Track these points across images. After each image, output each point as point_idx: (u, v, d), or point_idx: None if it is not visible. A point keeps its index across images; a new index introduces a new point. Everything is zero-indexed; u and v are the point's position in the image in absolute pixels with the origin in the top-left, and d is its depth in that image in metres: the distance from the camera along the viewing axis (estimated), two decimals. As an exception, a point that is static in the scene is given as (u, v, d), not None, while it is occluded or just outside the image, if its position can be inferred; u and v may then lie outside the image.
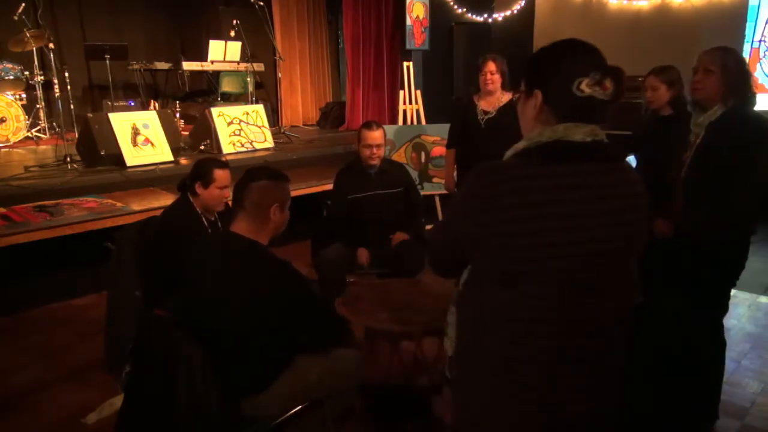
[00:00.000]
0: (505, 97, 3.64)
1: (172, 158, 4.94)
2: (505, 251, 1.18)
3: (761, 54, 6.43)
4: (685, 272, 2.39)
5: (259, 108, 5.99)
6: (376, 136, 3.32)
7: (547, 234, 1.16)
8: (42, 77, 6.17)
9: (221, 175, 2.70)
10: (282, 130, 6.68)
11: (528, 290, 1.19)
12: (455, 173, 3.98)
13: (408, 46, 6.58)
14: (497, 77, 3.59)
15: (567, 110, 1.21)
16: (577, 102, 1.19)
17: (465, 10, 7.21)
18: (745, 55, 6.40)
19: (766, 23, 6.38)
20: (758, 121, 2.22)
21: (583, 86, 1.17)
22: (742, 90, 2.23)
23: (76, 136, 5.15)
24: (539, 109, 1.24)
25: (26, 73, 6.54)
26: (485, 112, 3.62)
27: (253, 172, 2.03)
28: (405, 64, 6.22)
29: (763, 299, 3.94)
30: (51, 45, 5.14)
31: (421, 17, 6.65)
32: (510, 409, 1.24)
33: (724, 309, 2.46)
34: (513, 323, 1.21)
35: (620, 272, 1.25)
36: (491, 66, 3.58)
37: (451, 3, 7.07)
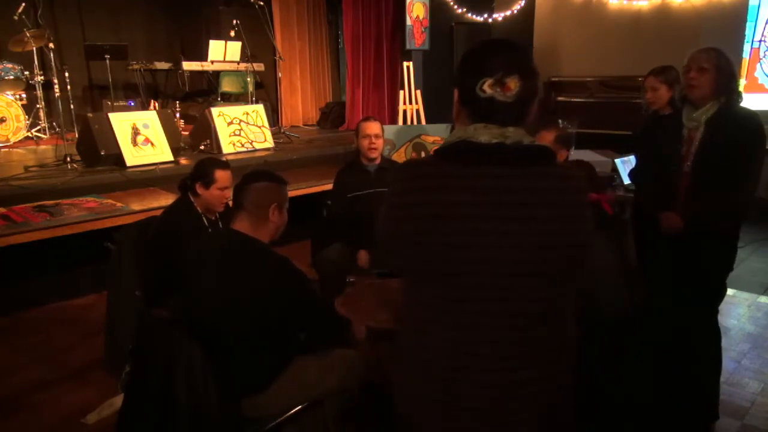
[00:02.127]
0: None
1: (172, 158, 4.94)
2: (411, 249, 1.19)
3: (761, 54, 6.43)
4: (684, 263, 2.46)
5: (259, 108, 5.99)
6: (373, 126, 3.39)
7: (444, 235, 1.14)
8: (42, 77, 6.16)
9: (222, 175, 2.70)
10: (282, 130, 6.68)
11: (429, 289, 1.20)
12: None
13: (408, 46, 6.57)
14: None
15: (475, 110, 1.19)
16: (481, 102, 1.16)
17: (465, 10, 7.21)
18: (745, 55, 6.41)
19: (766, 23, 6.38)
20: (751, 117, 2.35)
21: (485, 86, 1.15)
22: (732, 88, 2.35)
23: (76, 136, 5.14)
24: (457, 108, 1.25)
25: (26, 73, 6.53)
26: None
27: (252, 175, 2.07)
28: (405, 64, 6.22)
29: (763, 299, 3.94)
30: (51, 45, 5.15)
31: (421, 17, 6.64)
32: (422, 403, 1.26)
33: (720, 298, 2.54)
34: (419, 321, 1.24)
35: (533, 283, 1.17)
36: None
37: (451, 3, 7.07)
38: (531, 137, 1.19)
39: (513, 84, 1.14)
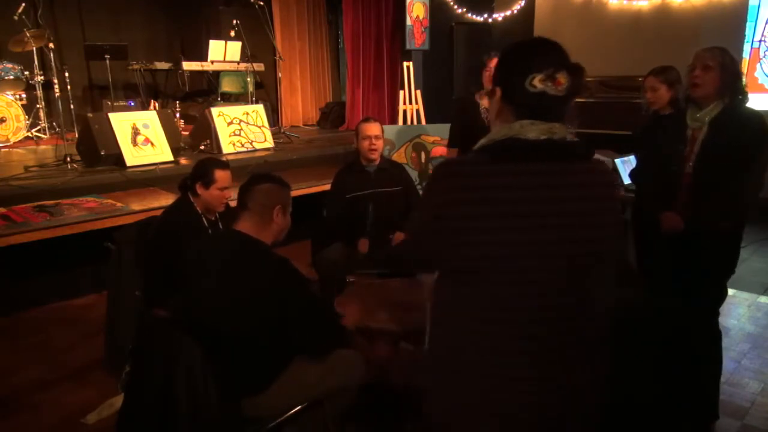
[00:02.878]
0: None
1: (172, 158, 4.94)
2: (458, 248, 1.19)
3: (761, 54, 6.43)
4: (685, 264, 2.45)
5: (259, 108, 5.99)
6: (373, 127, 3.39)
7: (495, 232, 1.15)
8: (42, 77, 6.16)
9: (222, 176, 2.70)
10: (282, 130, 6.68)
11: (480, 288, 1.20)
12: None
13: (408, 46, 6.57)
14: None
15: (522, 107, 1.20)
16: (531, 98, 1.18)
17: (465, 10, 7.21)
18: (745, 55, 6.40)
19: (766, 23, 6.37)
20: (756, 118, 2.33)
21: (536, 81, 1.16)
22: (737, 88, 2.34)
23: (76, 136, 5.14)
24: (499, 106, 1.26)
25: (26, 73, 6.53)
26: (489, 111, 3.61)
27: (257, 177, 2.08)
28: (405, 64, 6.22)
29: (763, 299, 3.94)
30: (51, 45, 5.14)
31: (421, 17, 6.65)
32: (467, 406, 1.26)
33: (720, 300, 2.54)
34: (469, 320, 1.23)
35: (582, 273, 1.21)
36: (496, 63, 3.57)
37: (451, 3, 7.07)
38: (572, 134, 1.22)
39: (563, 79, 1.16)
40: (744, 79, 2.43)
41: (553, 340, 1.21)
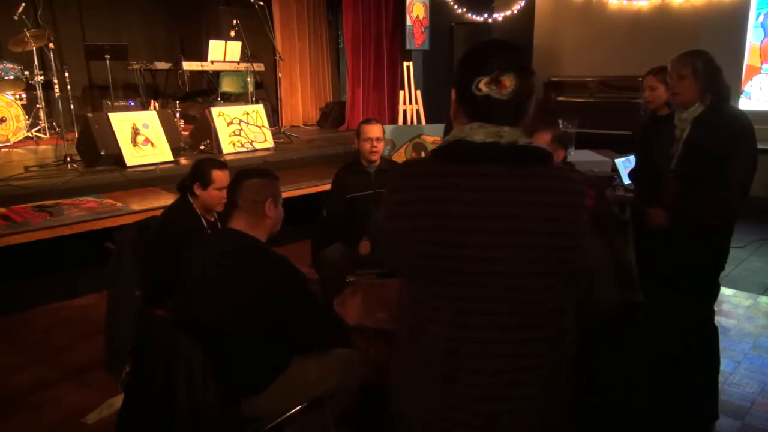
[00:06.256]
0: None
1: (172, 158, 4.94)
2: (406, 248, 1.20)
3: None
4: (674, 262, 2.53)
5: (259, 108, 5.99)
6: (375, 129, 3.37)
7: (440, 232, 1.15)
8: (42, 77, 6.15)
9: (220, 176, 2.70)
10: (282, 130, 6.68)
11: (425, 287, 1.21)
12: None
13: (408, 46, 6.58)
14: None
15: (471, 109, 1.20)
16: (477, 101, 1.17)
17: (465, 10, 7.21)
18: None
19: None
20: (736, 117, 2.41)
21: (481, 85, 1.15)
22: (716, 87, 2.40)
23: (76, 136, 5.15)
24: (455, 108, 1.26)
25: (26, 73, 6.53)
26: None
27: (243, 173, 2.06)
28: (405, 64, 6.22)
29: (763, 299, 3.94)
30: (51, 45, 5.14)
31: (421, 17, 6.65)
32: (419, 402, 1.26)
33: (713, 296, 2.63)
34: (415, 319, 1.24)
35: (524, 283, 1.17)
36: None
37: (451, 3, 7.07)
38: (527, 138, 1.20)
39: (509, 82, 1.15)
40: (722, 76, 2.45)
41: (502, 344, 1.18)
